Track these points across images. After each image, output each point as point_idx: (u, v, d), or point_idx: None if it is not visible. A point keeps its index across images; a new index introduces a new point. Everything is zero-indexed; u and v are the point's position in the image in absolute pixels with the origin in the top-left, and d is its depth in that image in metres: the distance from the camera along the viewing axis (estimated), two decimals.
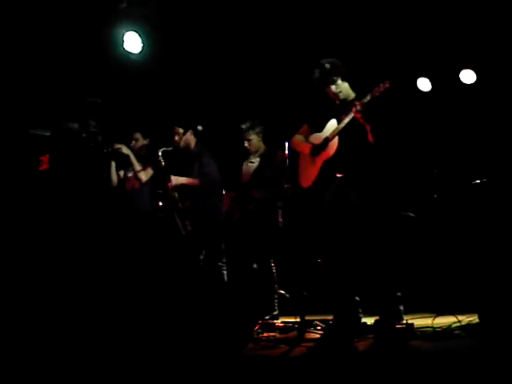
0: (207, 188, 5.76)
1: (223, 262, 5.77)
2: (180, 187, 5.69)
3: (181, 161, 5.89)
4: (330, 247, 4.56)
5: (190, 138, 5.91)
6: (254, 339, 4.32)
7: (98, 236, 6.10)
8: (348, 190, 4.47)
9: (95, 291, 5.63)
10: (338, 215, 4.50)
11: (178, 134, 5.86)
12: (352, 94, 4.66)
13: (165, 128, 6.02)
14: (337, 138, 4.50)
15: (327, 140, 4.57)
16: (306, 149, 4.79)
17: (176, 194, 5.63)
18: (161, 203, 5.78)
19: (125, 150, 5.92)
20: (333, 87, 4.61)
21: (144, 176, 5.93)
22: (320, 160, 4.61)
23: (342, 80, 4.62)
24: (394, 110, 4.49)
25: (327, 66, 4.58)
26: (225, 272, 5.74)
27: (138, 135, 6.12)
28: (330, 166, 4.55)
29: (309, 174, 4.67)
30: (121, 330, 4.72)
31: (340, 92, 4.62)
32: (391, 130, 4.41)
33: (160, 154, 5.57)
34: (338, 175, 4.54)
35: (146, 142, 6.14)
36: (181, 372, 3.41)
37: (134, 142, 6.10)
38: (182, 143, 5.87)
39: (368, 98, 4.30)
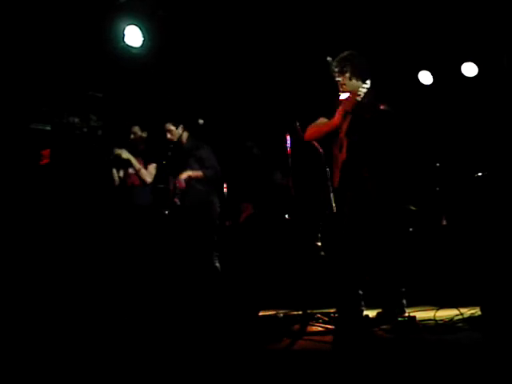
0: (212, 180, 5.78)
1: (216, 253, 5.77)
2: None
3: (174, 155, 5.87)
4: (334, 240, 4.55)
5: (181, 133, 5.90)
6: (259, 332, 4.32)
7: (99, 230, 6.11)
8: (367, 186, 4.36)
9: (96, 285, 5.64)
10: (353, 210, 4.45)
11: (169, 131, 5.85)
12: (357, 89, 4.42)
13: (165, 122, 5.99)
14: (346, 141, 4.40)
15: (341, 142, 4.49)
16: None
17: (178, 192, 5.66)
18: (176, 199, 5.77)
19: (125, 154, 5.92)
20: (339, 78, 4.50)
21: (149, 177, 5.95)
22: (340, 161, 4.46)
23: (354, 75, 4.45)
24: (396, 104, 4.45)
25: (339, 57, 4.48)
26: (217, 264, 5.74)
27: (136, 129, 6.12)
28: (346, 166, 4.41)
29: (335, 174, 4.52)
30: (129, 325, 4.72)
31: (344, 85, 4.48)
32: (392, 126, 4.38)
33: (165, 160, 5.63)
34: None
35: (144, 135, 6.14)
36: (182, 367, 3.40)
37: (132, 136, 6.09)
38: (175, 139, 5.86)
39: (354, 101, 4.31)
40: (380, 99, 4.30)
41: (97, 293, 5.51)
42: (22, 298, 5.39)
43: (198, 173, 5.74)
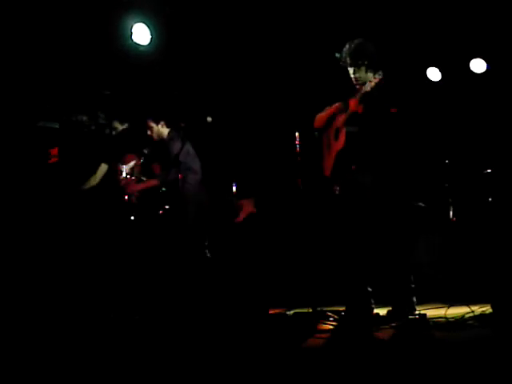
0: (165, 183, 5.69)
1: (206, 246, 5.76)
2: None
3: (158, 153, 5.85)
4: (343, 237, 4.54)
5: (162, 130, 5.83)
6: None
7: (106, 228, 6.12)
8: (363, 179, 4.38)
9: (99, 281, 5.64)
10: (352, 205, 4.45)
11: (149, 128, 5.81)
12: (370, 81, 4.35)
13: (173, 119, 5.98)
14: (344, 130, 4.41)
15: (337, 129, 4.52)
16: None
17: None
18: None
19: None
20: (350, 70, 4.46)
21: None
22: (334, 150, 4.50)
23: (370, 67, 4.38)
24: (405, 100, 4.43)
25: (347, 48, 4.43)
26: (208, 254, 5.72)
27: (116, 123, 6.03)
28: (342, 156, 4.44)
29: (328, 163, 4.55)
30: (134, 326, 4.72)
31: (360, 78, 4.43)
32: (403, 119, 4.36)
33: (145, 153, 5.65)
34: (353, 167, 4.41)
35: (125, 126, 6.06)
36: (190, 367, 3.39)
37: (114, 133, 6.01)
38: (155, 136, 5.82)
39: (362, 91, 4.26)
40: (393, 93, 4.28)
41: (101, 291, 5.52)
42: (26, 294, 5.42)
43: (151, 182, 5.70)
